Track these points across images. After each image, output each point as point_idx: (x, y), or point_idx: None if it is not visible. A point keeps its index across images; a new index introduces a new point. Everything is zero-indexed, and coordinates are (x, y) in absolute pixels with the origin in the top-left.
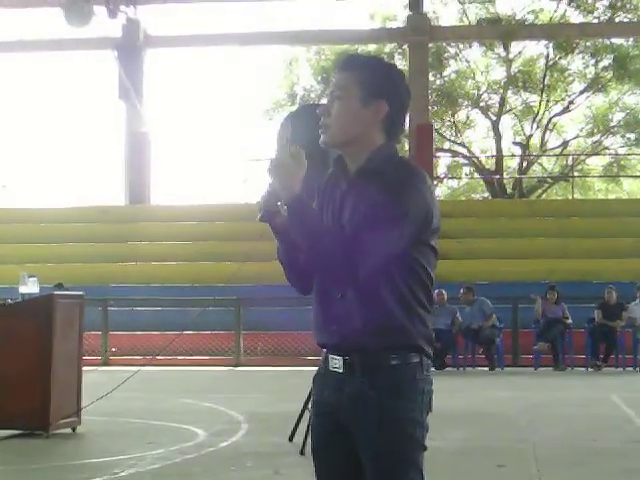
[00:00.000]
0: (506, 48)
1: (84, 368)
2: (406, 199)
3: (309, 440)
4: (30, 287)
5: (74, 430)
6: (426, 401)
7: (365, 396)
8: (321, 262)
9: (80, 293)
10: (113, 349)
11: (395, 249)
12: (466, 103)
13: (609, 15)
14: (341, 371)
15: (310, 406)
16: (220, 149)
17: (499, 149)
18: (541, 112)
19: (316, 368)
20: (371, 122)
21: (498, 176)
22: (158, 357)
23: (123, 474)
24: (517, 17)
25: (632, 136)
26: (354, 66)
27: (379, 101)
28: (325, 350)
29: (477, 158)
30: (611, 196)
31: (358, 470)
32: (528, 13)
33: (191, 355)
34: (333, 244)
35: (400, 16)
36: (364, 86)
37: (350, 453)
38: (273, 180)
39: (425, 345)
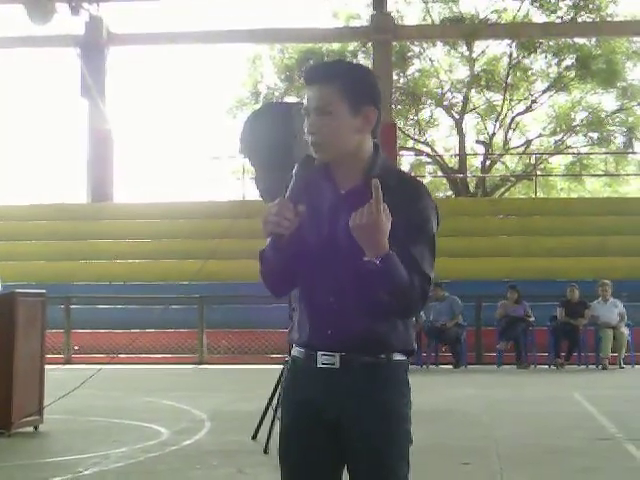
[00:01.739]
0: (469, 47)
1: (46, 366)
2: (433, 226)
3: (273, 438)
4: None
5: (36, 429)
6: (411, 396)
7: (362, 391)
8: (405, 304)
9: (42, 291)
10: (75, 347)
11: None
12: (429, 102)
13: (572, 15)
14: (337, 367)
15: (279, 405)
16: (183, 147)
17: (462, 148)
18: (504, 111)
19: (280, 366)
20: (363, 130)
21: (461, 175)
22: (121, 355)
23: (86, 473)
24: (480, 16)
25: (594, 135)
26: (332, 77)
27: (367, 108)
28: (305, 349)
29: (440, 157)
30: (573, 195)
31: (336, 469)
32: (491, 12)
33: (154, 353)
34: (418, 292)
35: (364, 15)
36: (350, 96)
37: (330, 451)
38: (360, 237)
39: (414, 347)
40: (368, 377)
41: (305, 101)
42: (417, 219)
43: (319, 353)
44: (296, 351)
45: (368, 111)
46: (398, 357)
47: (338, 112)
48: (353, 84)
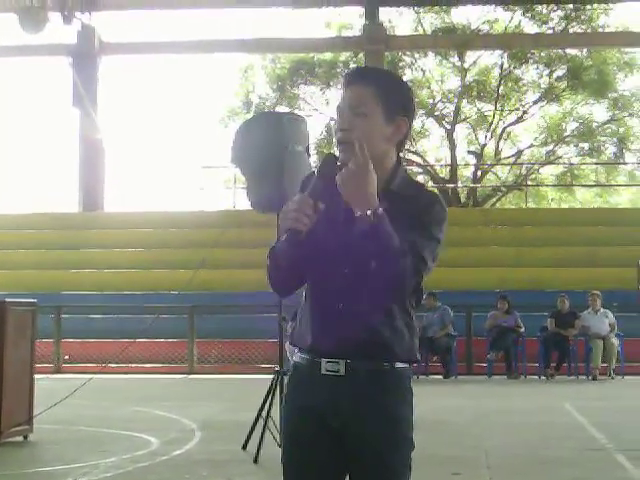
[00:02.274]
0: (461, 58)
1: (36, 376)
2: (441, 231)
3: (263, 448)
4: None
5: (26, 438)
6: (413, 404)
7: (368, 398)
8: (394, 273)
9: (32, 300)
10: (66, 357)
11: (428, 272)
12: (421, 112)
13: (563, 26)
14: (342, 374)
15: (269, 415)
16: (175, 156)
17: (453, 158)
18: (495, 121)
19: (270, 376)
20: (392, 139)
21: (452, 185)
22: (111, 365)
23: None
24: (472, 27)
25: (585, 146)
26: (374, 81)
27: (401, 118)
28: (309, 355)
29: (432, 167)
30: (564, 205)
31: (341, 476)
32: (483, 23)
33: (144, 363)
34: (410, 266)
35: (356, 25)
36: (385, 103)
37: (335, 458)
38: (349, 191)
39: (418, 357)
40: (372, 384)
41: (341, 101)
42: (427, 219)
43: (323, 360)
44: (298, 357)
45: (400, 121)
46: (401, 365)
47: (372, 115)
48: (391, 92)
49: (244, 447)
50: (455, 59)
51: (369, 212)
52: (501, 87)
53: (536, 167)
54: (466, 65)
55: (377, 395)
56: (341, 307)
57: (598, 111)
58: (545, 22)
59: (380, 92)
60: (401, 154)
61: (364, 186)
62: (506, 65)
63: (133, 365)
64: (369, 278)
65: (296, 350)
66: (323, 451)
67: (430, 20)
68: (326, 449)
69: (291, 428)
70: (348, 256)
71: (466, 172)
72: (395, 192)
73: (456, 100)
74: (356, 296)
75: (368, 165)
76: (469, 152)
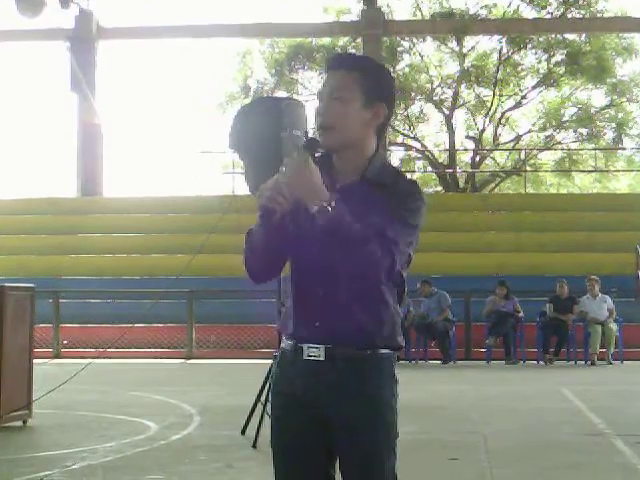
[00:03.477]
0: (459, 43)
1: (35, 361)
2: (416, 218)
3: (262, 433)
4: None
5: (25, 423)
6: (398, 389)
7: (347, 385)
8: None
9: (31, 285)
10: (64, 342)
11: (407, 253)
12: (419, 97)
13: (562, 11)
14: (322, 359)
15: (268, 400)
16: (173, 142)
17: (452, 143)
18: (494, 107)
19: (269, 361)
20: (370, 125)
21: (451, 170)
22: (110, 350)
23: (75, 467)
24: (470, 12)
25: (584, 131)
26: (354, 66)
27: (379, 104)
28: (293, 341)
29: (430, 152)
30: (563, 190)
31: (328, 460)
32: (481, 8)
33: (143, 348)
34: (371, 242)
35: (354, 10)
36: (365, 88)
37: (321, 443)
38: (300, 190)
39: (401, 343)
40: (353, 370)
41: (321, 86)
42: (402, 207)
43: (305, 345)
44: (285, 343)
45: (379, 107)
46: (384, 351)
47: (351, 100)
48: (371, 78)
49: (243, 432)
50: (453, 44)
51: (325, 205)
52: (500, 72)
53: (535, 152)
54: (465, 50)
55: (355, 380)
56: (320, 293)
57: (597, 96)
58: (544, 7)
59: (360, 77)
60: (381, 142)
61: (308, 179)
62: (505, 50)
63: (132, 350)
64: (338, 267)
65: (284, 337)
66: (309, 436)
67: (428, 5)
68: (312, 434)
69: (278, 413)
70: (326, 245)
71: (465, 157)
72: (371, 179)
73: (455, 85)
74: (335, 283)
75: (304, 161)
76: (467, 137)
